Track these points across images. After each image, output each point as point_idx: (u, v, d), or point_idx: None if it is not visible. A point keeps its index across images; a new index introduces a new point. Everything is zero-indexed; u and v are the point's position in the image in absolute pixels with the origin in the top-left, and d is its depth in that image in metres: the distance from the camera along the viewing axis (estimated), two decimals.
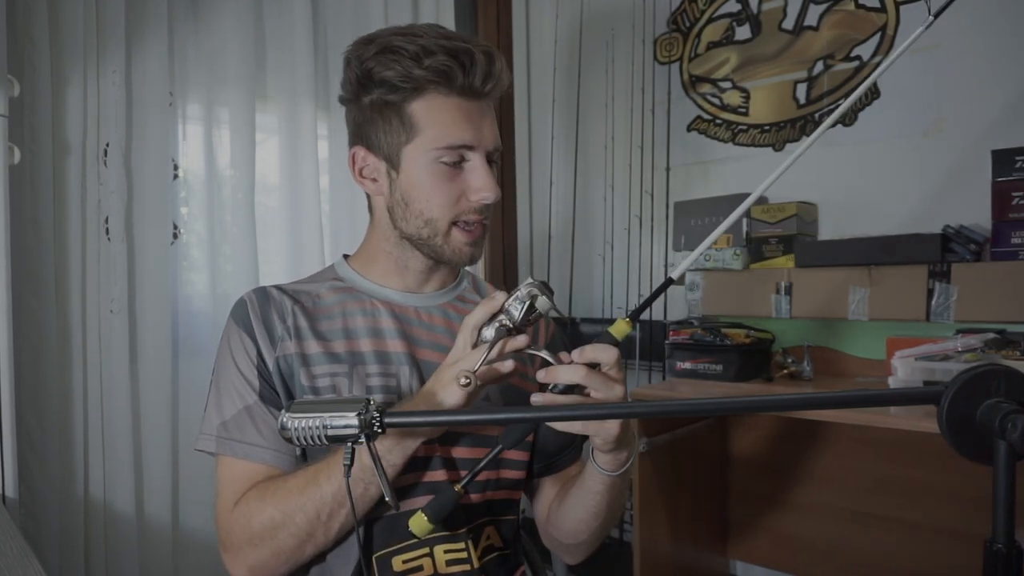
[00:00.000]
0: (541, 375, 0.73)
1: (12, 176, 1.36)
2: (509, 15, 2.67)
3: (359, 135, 0.88)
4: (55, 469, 1.54)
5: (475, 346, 0.75)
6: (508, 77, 0.86)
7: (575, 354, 0.73)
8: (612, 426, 0.73)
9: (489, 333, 0.73)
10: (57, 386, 1.56)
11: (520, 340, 0.74)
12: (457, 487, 0.75)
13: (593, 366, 0.72)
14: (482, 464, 0.77)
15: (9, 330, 1.31)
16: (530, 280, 0.74)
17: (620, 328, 0.74)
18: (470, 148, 0.83)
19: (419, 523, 0.73)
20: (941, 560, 1.79)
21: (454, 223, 0.85)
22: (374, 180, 0.88)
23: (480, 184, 0.84)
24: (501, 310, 0.74)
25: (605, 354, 0.72)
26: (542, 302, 0.72)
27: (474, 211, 0.85)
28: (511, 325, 0.73)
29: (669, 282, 0.77)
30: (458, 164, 0.84)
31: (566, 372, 0.72)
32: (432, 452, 0.84)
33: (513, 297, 0.73)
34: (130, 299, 1.67)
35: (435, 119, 0.82)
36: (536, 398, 0.74)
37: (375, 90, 0.83)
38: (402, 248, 0.89)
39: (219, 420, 0.83)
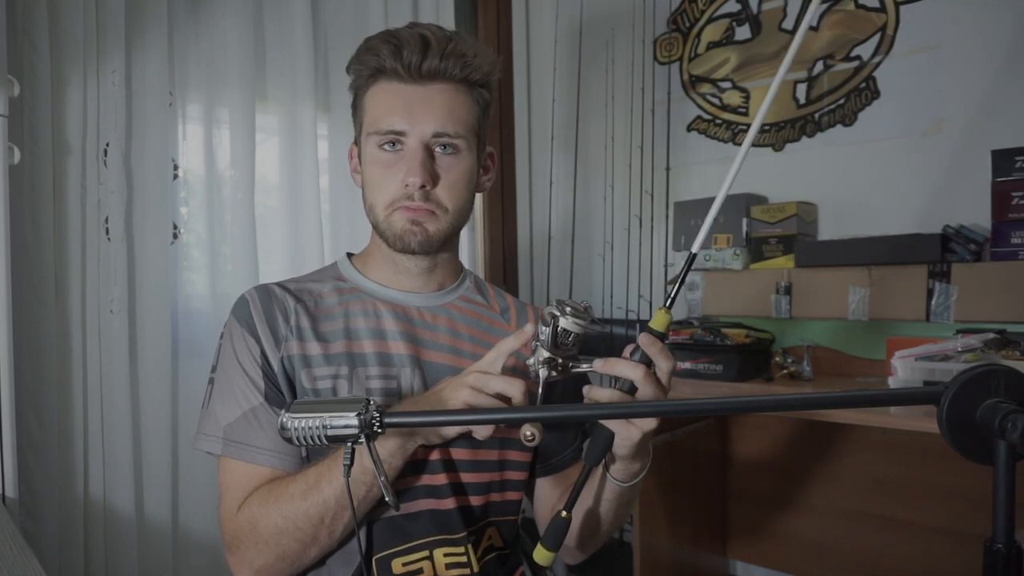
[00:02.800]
0: (599, 364, 0.73)
1: (12, 176, 1.36)
2: (509, 15, 2.67)
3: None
4: (55, 469, 1.54)
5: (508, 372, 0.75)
6: (470, 61, 0.84)
7: (643, 339, 0.71)
8: (636, 433, 0.72)
9: (543, 372, 0.74)
10: (57, 386, 1.56)
11: (526, 334, 0.75)
12: (563, 513, 0.74)
13: (648, 363, 0.71)
14: (579, 485, 0.75)
15: (9, 330, 1.31)
16: (531, 329, 0.74)
17: (662, 320, 0.72)
18: (400, 133, 0.83)
19: (542, 554, 0.74)
20: (941, 560, 1.79)
21: (393, 207, 0.85)
22: (358, 172, 0.91)
23: (406, 169, 0.83)
24: (536, 337, 0.74)
25: (665, 363, 0.71)
26: (564, 321, 0.72)
27: (407, 197, 0.84)
28: (549, 353, 0.73)
29: (693, 257, 0.74)
30: (399, 151, 0.84)
31: (628, 369, 0.70)
32: (431, 455, 0.84)
33: (539, 323, 0.74)
34: (130, 299, 1.67)
35: (372, 105, 0.85)
36: (587, 391, 0.73)
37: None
38: (383, 241, 0.90)
39: (224, 421, 0.82)
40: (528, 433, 0.71)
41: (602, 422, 0.73)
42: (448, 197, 0.85)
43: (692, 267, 0.76)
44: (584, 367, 0.75)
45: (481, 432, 0.74)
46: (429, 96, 0.83)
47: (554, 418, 0.78)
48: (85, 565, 1.58)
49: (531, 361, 0.75)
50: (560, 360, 0.73)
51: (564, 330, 0.72)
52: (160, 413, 1.71)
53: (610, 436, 0.73)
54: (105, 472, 1.61)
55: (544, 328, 0.73)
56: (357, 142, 0.91)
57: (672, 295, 0.73)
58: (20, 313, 1.45)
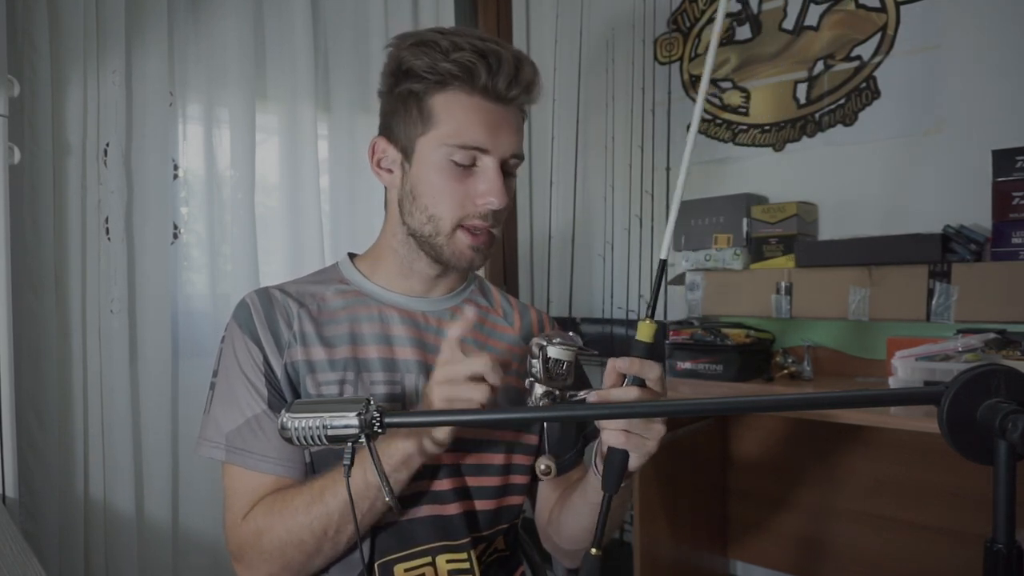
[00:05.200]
0: (593, 397, 0.72)
1: (12, 176, 1.36)
2: (509, 15, 2.67)
3: (384, 125, 0.88)
4: (55, 469, 1.54)
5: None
6: (539, 88, 0.85)
7: (620, 364, 0.71)
8: (652, 445, 0.71)
9: (541, 404, 0.73)
10: (57, 386, 1.56)
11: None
12: (593, 551, 0.71)
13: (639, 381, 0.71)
14: (602, 517, 0.73)
15: (9, 330, 1.31)
16: (472, 314, 0.74)
17: (648, 331, 0.72)
18: (483, 151, 0.81)
19: None
20: (941, 560, 1.79)
21: (460, 225, 0.83)
22: (389, 171, 0.88)
23: (487, 188, 0.81)
24: (529, 373, 0.73)
25: (652, 371, 0.71)
26: (552, 350, 0.72)
27: (479, 216, 0.83)
28: (545, 387, 0.72)
29: (664, 264, 0.74)
30: (470, 166, 0.82)
31: (622, 394, 0.70)
32: (437, 460, 0.83)
33: (529, 358, 0.73)
34: (130, 299, 1.67)
35: (453, 115, 0.81)
36: (592, 397, 0.73)
37: (404, 80, 0.83)
38: (408, 247, 0.88)
39: (227, 428, 0.82)
40: (543, 467, 0.70)
41: (612, 448, 0.72)
42: (505, 216, 0.86)
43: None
44: (582, 395, 0.74)
45: (477, 395, 0.71)
46: (507, 118, 0.83)
47: (555, 418, 0.78)
48: (85, 565, 1.58)
49: (530, 400, 0.74)
50: (557, 392, 0.73)
51: (555, 360, 0.72)
52: (160, 413, 1.71)
53: (624, 457, 0.72)
54: (105, 472, 1.61)
55: (534, 361, 0.72)
56: (399, 141, 0.85)
57: (652, 304, 0.73)
58: (20, 313, 1.45)
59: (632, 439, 0.70)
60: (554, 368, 0.72)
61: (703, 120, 2.35)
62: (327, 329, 0.86)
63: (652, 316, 0.72)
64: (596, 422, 0.74)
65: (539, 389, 0.72)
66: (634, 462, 0.73)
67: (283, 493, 0.80)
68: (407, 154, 0.85)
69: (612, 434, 0.71)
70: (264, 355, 0.83)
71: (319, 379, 0.83)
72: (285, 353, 0.84)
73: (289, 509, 0.77)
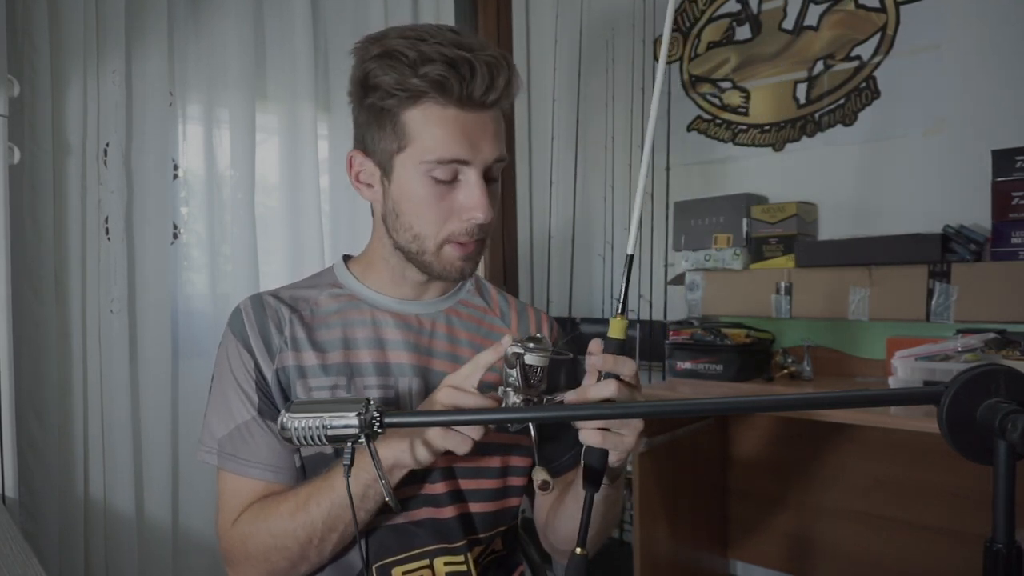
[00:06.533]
0: (571, 396, 0.71)
1: (12, 176, 1.36)
2: (509, 15, 2.67)
3: (358, 138, 0.85)
4: (55, 469, 1.54)
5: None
6: (517, 86, 0.81)
7: (595, 361, 0.71)
8: (631, 441, 0.71)
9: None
10: (57, 386, 1.56)
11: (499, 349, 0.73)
12: (579, 550, 0.70)
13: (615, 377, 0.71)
14: (585, 516, 0.71)
15: (9, 330, 1.31)
16: (509, 341, 0.72)
17: (620, 327, 0.72)
18: (464, 163, 0.78)
19: None
20: (941, 560, 1.79)
21: (446, 241, 0.81)
22: (369, 186, 0.85)
23: (472, 203, 0.79)
24: (504, 383, 0.72)
25: (627, 367, 0.71)
26: (530, 357, 0.71)
27: (465, 232, 0.81)
28: (521, 396, 0.71)
29: (630, 259, 0.74)
30: (451, 180, 0.79)
31: (600, 389, 0.70)
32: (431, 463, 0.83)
33: (504, 367, 0.72)
34: (130, 299, 1.67)
35: (428, 130, 0.77)
36: (571, 396, 0.72)
37: (372, 94, 0.79)
38: (398, 258, 0.86)
39: (219, 434, 0.83)
40: (540, 482, 0.70)
41: (590, 446, 0.71)
42: (492, 222, 0.83)
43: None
44: (560, 397, 0.74)
45: (461, 448, 0.71)
46: (485, 124, 0.79)
47: (552, 418, 0.78)
48: (85, 566, 1.58)
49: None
50: (535, 400, 0.72)
51: (531, 366, 0.71)
52: (160, 413, 1.71)
53: (603, 456, 0.72)
54: (105, 472, 1.61)
55: (511, 370, 0.71)
56: (375, 156, 0.82)
57: (622, 301, 0.73)
58: (20, 313, 1.45)
59: (610, 437, 0.70)
60: (531, 375, 0.71)
61: (702, 120, 2.35)
62: (320, 334, 0.86)
63: (623, 312, 0.72)
64: (574, 422, 0.73)
65: (516, 398, 0.71)
66: (613, 459, 0.72)
67: (270, 500, 0.80)
68: (385, 171, 0.82)
69: (590, 434, 0.70)
70: (255, 361, 0.84)
71: (310, 384, 0.83)
72: (276, 359, 0.84)
73: (274, 516, 0.78)
